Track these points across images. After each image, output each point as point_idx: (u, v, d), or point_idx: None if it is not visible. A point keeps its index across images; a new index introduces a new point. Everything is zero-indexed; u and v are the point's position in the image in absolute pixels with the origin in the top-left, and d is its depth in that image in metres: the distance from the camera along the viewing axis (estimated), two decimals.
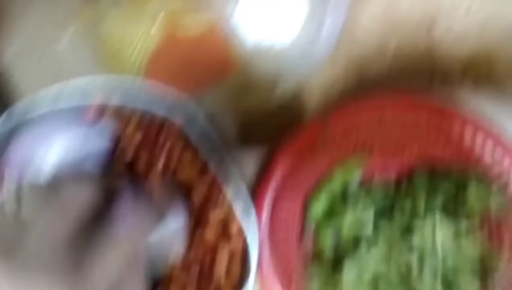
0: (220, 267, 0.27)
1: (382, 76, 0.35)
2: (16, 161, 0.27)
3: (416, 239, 0.29)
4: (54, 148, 0.27)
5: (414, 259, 0.29)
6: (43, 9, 0.37)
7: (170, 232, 0.26)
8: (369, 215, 0.31)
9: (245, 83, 0.34)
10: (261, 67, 0.34)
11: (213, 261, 0.28)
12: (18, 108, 0.28)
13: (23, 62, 0.38)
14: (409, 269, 0.29)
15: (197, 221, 0.28)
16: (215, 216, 0.28)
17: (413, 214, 0.30)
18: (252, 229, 0.27)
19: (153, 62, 0.36)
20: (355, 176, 0.32)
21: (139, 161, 0.29)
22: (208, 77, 0.35)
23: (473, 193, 0.29)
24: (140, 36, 0.36)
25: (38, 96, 0.29)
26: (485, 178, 0.29)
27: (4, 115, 0.28)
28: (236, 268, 0.28)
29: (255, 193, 0.30)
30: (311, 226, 0.32)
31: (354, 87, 0.35)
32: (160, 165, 0.29)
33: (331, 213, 0.32)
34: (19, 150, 0.27)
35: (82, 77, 0.29)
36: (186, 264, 0.28)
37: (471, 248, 0.29)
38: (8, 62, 0.37)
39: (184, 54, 0.35)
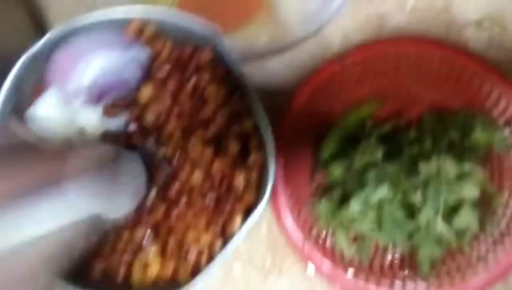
0: (239, 180, 0.30)
1: (400, 27, 0.37)
2: (59, 69, 0.30)
3: (421, 178, 0.31)
4: (94, 63, 0.30)
5: (418, 196, 0.30)
6: None
7: None
8: (377, 155, 0.32)
9: (271, 24, 0.36)
10: (287, 9, 0.36)
11: (233, 174, 0.30)
12: (63, 26, 0.30)
13: None
14: (412, 205, 0.31)
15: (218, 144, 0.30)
16: (235, 138, 0.30)
17: (420, 155, 0.31)
18: (271, 151, 0.29)
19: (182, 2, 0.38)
20: (367, 119, 0.34)
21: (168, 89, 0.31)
22: (236, 16, 0.37)
23: (478, 132, 0.30)
24: None
25: (81, 18, 0.31)
26: (490, 121, 0.31)
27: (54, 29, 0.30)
28: (254, 183, 0.30)
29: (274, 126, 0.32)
30: (322, 163, 0.34)
31: (373, 36, 0.37)
32: (187, 92, 0.31)
33: (342, 152, 0.33)
34: (62, 60, 0.30)
35: (120, 6, 0.31)
36: (208, 176, 0.30)
37: (473, 188, 0.30)
38: None
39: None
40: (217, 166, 0.30)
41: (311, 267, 0.35)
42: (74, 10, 0.38)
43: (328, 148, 0.34)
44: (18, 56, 0.31)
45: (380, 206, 0.30)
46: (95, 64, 0.29)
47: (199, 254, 0.30)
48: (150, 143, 0.31)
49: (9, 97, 0.30)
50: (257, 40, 0.36)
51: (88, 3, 0.38)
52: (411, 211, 0.30)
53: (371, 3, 0.37)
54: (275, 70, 0.36)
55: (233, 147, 0.30)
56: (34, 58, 0.30)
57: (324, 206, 0.32)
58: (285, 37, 0.35)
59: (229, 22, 0.36)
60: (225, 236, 0.29)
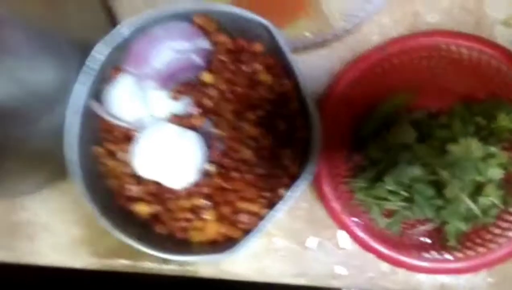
0: (285, 157, 0.34)
1: (433, 24, 0.40)
2: (135, 56, 0.35)
3: (449, 159, 0.34)
4: (164, 51, 0.34)
5: (446, 174, 0.34)
6: None
7: None
8: (410, 138, 0.36)
9: (315, 20, 0.40)
10: (329, 6, 0.39)
11: (280, 152, 0.34)
12: (138, 18, 0.35)
13: None
14: (441, 183, 0.34)
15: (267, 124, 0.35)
16: (282, 118, 0.34)
17: (449, 139, 0.35)
18: (316, 130, 0.33)
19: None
20: (402, 106, 0.38)
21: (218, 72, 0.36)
22: (284, 13, 0.41)
23: (502, 118, 0.33)
24: None
25: (154, 11, 0.35)
26: None
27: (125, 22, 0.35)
28: (298, 160, 0.34)
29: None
30: (358, 144, 0.38)
31: (408, 32, 0.40)
32: (241, 78, 0.35)
33: (377, 135, 0.37)
34: (138, 48, 0.35)
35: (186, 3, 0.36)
36: (257, 153, 0.34)
37: (497, 168, 0.33)
38: None
39: None
40: (265, 144, 0.34)
41: (346, 238, 0.39)
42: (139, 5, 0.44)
43: (365, 131, 0.37)
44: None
45: (411, 183, 0.34)
46: (165, 52, 0.34)
47: (249, 221, 0.34)
48: (208, 123, 0.35)
49: (89, 80, 0.35)
50: (302, 34, 0.40)
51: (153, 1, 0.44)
52: (440, 189, 0.33)
53: (407, 1, 0.40)
54: (317, 61, 0.40)
55: (280, 126, 0.34)
56: (111, 46, 0.35)
57: (360, 183, 0.36)
58: (327, 32, 0.39)
59: (278, 18, 0.40)
60: (272, 207, 0.34)
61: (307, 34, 0.40)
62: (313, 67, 0.39)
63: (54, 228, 0.44)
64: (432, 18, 0.40)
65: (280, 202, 0.32)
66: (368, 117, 0.38)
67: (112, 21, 0.43)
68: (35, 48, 0.33)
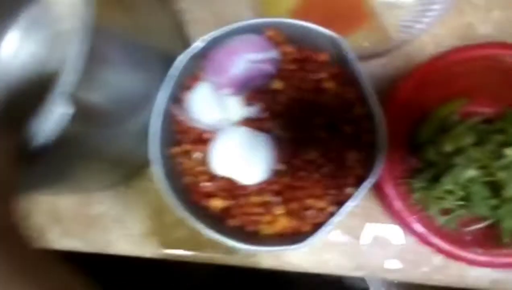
0: (351, 158, 0.37)
1: (486, 36, 0.42)
2: (213, 65, 0.38)
3: (505, 161, 0.36)
4: (240, 60, 0.38)
5: (503, 175, 0.36)
6: None
7: None
8: (466, 141, 0.38)
9: (374, 31, 0.43)
10: (388, 19, 0.42)
11: (345, 153, 0.37)
12: (215, 32, 0.39)
13: (195, 6, 0.49)
14: (497, 184, 0.36)
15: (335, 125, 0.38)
16: (348, 122, 0.38)
17: (505, 142, 0.37)
18: (382, 134, 0.35)
19: (298, 10, 0.45)
20: (456, 112, 0.40)
21: (287, 80, 0.39)
22: (344, 27, 0.44)
23: None
24: None
25: (228, 26, 0.39)
26: None
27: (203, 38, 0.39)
28: (363, 161, 0.37)
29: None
30: (416, 146, 0.41)
31: (462, 43, 0.42)
32: (308, 85, 0.39)
33: (434, 138, 0.40)
34: (216, 58, 0.38)
35: (255, 19, 0.39)
36: (324, 154, 0.37)
37: None
38: (184, 6, 0.49)
39: (324, 3, 0.45)
40: (332, 146, 0.38)
41: (401, 234, 0.41)
42: (209, 21, 0.48)
43: (422, 135, 0.40)
44: (176, 55, 0.39)
45: (467, 184, 0.36)
46: (240, 62, 0.37)
47: (316, 216, 0.37)
48: (278, 127, 0.38)
49: (169, 87, 0.39)
50: (361, 44, 0.42)
51: (220, 17, 0.47)
52: (495, 189, 0.36)
53: (460, 14, 0.42)
54: (374, 69, 0.43)
55: (346, 130, 0.38)
56: (189, 57, 0.39)
57: (418, 183, 0.38)
58: (385, 43, 0.42)
59: (339, 28, 0.43)
60: (338, 204, 0.37)
61: (366, 44, 0.43)
62: (371, 75, 0.42)
63: (126, 221, 0.48)
64: (484, 29, 0.42)
65: (350, 200, 0.35)
66: (424, 122, 0.40)
67: (184, 34, 0.47)
68: (127, 59, 0.37)
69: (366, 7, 0.43)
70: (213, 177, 0.39)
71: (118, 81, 0.36)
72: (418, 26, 0.42)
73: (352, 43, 0.41)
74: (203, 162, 0.40)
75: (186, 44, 0.47)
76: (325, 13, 0.44)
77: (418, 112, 0.40)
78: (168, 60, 0.41)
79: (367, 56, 0.42)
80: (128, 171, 0.46)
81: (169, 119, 0.40)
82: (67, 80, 0.26)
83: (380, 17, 0.42)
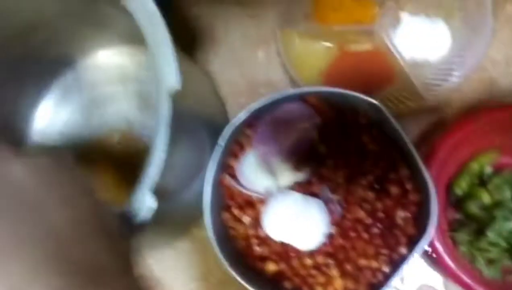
0: (400, 217, 0.39)
1: (509, 89, 0.45)
2: (260, 134, 0.40)
3: None
4: (284, 130, 0.39)
5: None
6: (245, 25, 0.50)
7: None
8: (504, 195, 0.41)
9: (403, 89, 0.45)
10: (416, 77, 0.45)
11: (394, 212, 0.39)
12: (258, 103, 0.40)
13: (226, 68, 0.51)
14: None
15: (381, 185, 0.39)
16: (393, 182, 0.39)
17: None
18: (431, 192, 0.37)
19: (330, 71, 0.48)
20: (489, 165, 0.43)
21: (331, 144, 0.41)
22: (374, 85, 0.46)
23: None
24: (320, 50, 0.48)
25: (271, 95, 0.40)
26: None
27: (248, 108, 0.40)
28: (412, 219, 0.39)
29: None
30: (454, 200, 0.43)
31: (487, 96, 0.45)
32: (351, 148, 0.40)
33: (471, 191, 0.42)
34: (263, 127, 0.40)
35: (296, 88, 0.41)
36: (373, 214, 0.39)
37: None
38: (215, 70, 0.51)
39: (355, 65, 0.47)
40: (379, 206, 0.39)
41: (447, 283, 0.43)
42: (240, 83, 0.50)
43: (458, 188, 0.42)
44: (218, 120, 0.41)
45: (510, 235, 0.39)
46: (287, 130, 0.39)
47: (371, 277, 0.38)
48: (326, 189, 0.40)
49: (218, 156, 0.40)
50: (393, 102, 0.45)
51: (251, 79, 0.49)
52: None
53: (482, 70, 0.45)
54: (407, 126, 0.45)
55: (392, 190, 0.39)
56: (235, 127, 0.40)
57: (463, 236, 0.40)
58: (415, 100, 0.44)
59: (368, 88, 0.46)
60: (392, 263, 0.38)
61: (397, 102, 0.45)
62: (405, 132, 0.44)
63: (168, 282, 0.48)
64: (506, 83, 0.45)
65: (406, 261, 0.36)
66: (459, 175, 0.43)
67: (221, 98, 0.49)
68: (186, 134, 0.38)
69: (394, 66, 0.45)
70: (264, 241, 0.41)
71: (180, 158, 0.37)
72: (445, 83, 0.44)
73: (383, 102, 0.44)
74: (253, 226, 0.41)
75: (223, 108, 0.49)
76: (355, 73, 0.47)
77: (453, 166, 0.43)
78: (211, 126, 0.43)
79: (399, 114, 0.44)
80: (175, 233, 0.47)
81: (218, 186, 0.41)
82: (153, 174, 0.28)
83: (408, 76, 0.45)
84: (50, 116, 0.52)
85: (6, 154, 0.21)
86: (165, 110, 0.28)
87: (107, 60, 0.52)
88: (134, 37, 0.49)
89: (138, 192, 0.27)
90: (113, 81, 0.52)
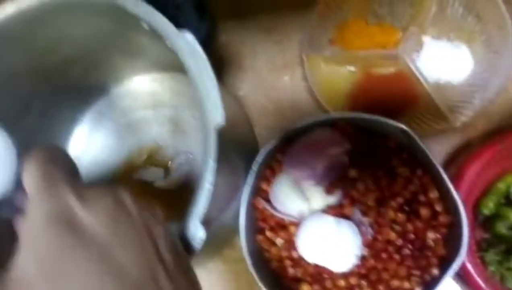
0: (430, 238, 0.40)
1: None
2: (293, 159, 0.42)
3: None
4: (315, 155, 0.41)
5: None
6: (271, 51, 0.52)
7: None
8: None
9: (428, 112, 0.46)
10: (440, 99, 0.46)
11: (425, 233, 0.40)
12: (287, 130, 0.42)
13: (254, 93, 0.52)
14: None
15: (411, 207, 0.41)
16: (423, 204, 0.41)
17: None
18: (462, 214, 0.38)
19: (355, 94, 0.49)
20: None
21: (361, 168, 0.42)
22: (399, 107, 0.47)
23: None
24: (345, 74, 0.50)
25: (301, 121, 0.42)
26: None
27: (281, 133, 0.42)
28: (443, 241, 0.40)
29: None
30: (481, 220, 0.43)
31: (510, 119, 0.46)
32: (381, 172, 0.42)
33: (499, 211, 0.43)
34: (295, 152, 0.42)
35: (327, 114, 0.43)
36: (403, 235, 0.40)
37: None
38: (243, 95, 0.52)
39: (379, 88, 0.49)
40: (410, 227, 0.40)
41: None
42: (268, 107, 0.51)
43: (486, 208, 0.43)
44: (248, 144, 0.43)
45: None
46: (319, 156, 0.41)
47: None
48: (357, 212, 0.41)
49: (251, 180, 0.42)
50: (418, 124, 0.46)
51: (279, 103, 0.51)
52: None
53: (505, 91, 0.46)
54: (433, 148, 0.46)
55: (422, 212, 0.40)
56: (267, 152, 0.42)
57: (491, 256, 0.41)
58: (440, 122, 0.46)
59: (393, 111, 0.47)
60: (424, 285, 0.39)
61: (422, 124, 0.46)
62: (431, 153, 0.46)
63: None
64: None
65: (439, 283, 0.37)
66: (485, 195, 0.44)
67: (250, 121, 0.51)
68: (225, 161, 0.40)
69: (418, 89, 0.47)
70: (298, 262, 0.42)
71: (219, 185, 0.38)
72: (468, 105, 0.45)
73: (408, 123, 0.45)
74: (287, 247, 0.42)
75: (253, 132, 0.51)
76: (380, 96, 0.48)
77: (480, 187, 0.44)
78: (243, 151, 0.44)
79: (424, 135, 0.46)
80: (208, 254, 0.48)
81: (251, 209, 0.43)
82: (203, 206, 0.29)
83: (432, 98, 0.46)
84: (84, 143, 0.54)
85: (73, 203, 0.22)
86: (212, 146, 0.29)
87: (138, 86, 0.54)
88: (165, 64, 0.52)
89: (190, 223, 0.29)
90: (145, 107, 0.54)
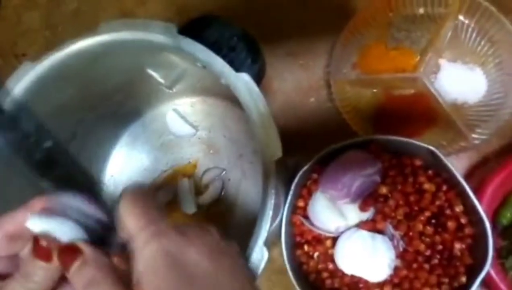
0: (457, 248, 0.43)
1: None
2: (328, 181, 0.45)
3: None
4: (352, 177, 0.44)
5: None
6: (297, 75, 0.55)
7: None
8: None
9: (448, 131, 0.50)
10: (459, 119, 0.50)
11: (452, 244, 0.44)
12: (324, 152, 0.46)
13: (282, 115, 0.56)
14: None
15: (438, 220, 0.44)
16: (449, 217, 0.44)
17: None
18: (486, 227, 0.42)
19: (378, 114, 0.53)
20: None
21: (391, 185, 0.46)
22: (418, 127, 0.51)
23: None
24: (368, 95, 0.53)
25: (335, 145, 0.46)
26: None
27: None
28: (469, 251, 0.43)
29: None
30: (500, 229, 0.48)
31: None
32: (409, 188, 0.45)
33: None
34: (331, 172, 0.45)
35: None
36: (432, 247, 0.44)
37: None
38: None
39: (401, 107, 0.52)
40: (438, 239, 0.44)
41: None
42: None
43: (504, 218, 0.47)
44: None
45: None
46: (353, 176, 0.44)
47: None
48: (389, 227, 0.45)
49: (289, 199, 0.45)
50: (438, 142, 0.50)
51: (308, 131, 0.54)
52: None
53: None
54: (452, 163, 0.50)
55: (449, 224, 0.44)
56: (304, 171, 0.46)
57: (511, 263, 0.45)
58: (459, 141, 0.49)
59: (415, 131, 0.51)
60: None
61: (443, 142, 0.50)
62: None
63: None
64: None
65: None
66: (503, 205, 0.48)
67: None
68: None
69: (437, 109, 0.50)
70: (335, 274, 0.45)
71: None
72: (485, 124, 0.49)
73: (429, 142, 0.49)
74: (323, 260, 0.46)
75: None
76: (401, 116, 0.52)
77: (498, 199, 0.48)
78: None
79: (446, 153, 0.50)
80: None
81: (290, 226, 0.46)
82: (266, 229, 0.33)
83: (451, 118, 0.50)
84: (121, 164, 0.57)
85: (178, 240, 0.24)
86: (272, 176, 0.33)
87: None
88: (196, 89, 0.55)
89: (255, 247, 0.32)
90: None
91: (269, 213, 0.33)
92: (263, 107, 0.34)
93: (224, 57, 0.36)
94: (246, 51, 0.44)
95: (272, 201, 0.33)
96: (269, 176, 0.33)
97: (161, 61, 0.44)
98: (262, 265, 0.32)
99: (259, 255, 0.32)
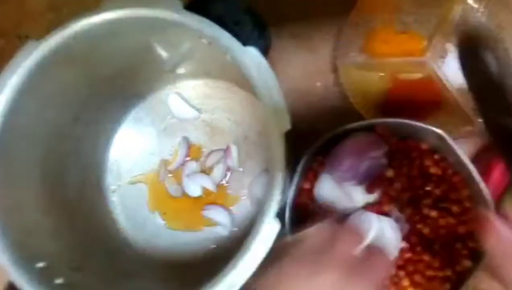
0: (462, 232, 0.43)
1: None
2: (335, 163, 0.45)
3: None
4: (359, 159, 0.44)
5: None
6: (304, 59, 0.55)
7: None
8: None
9: (454, 115, 0.50)
10: (465, 103, 0.50)
11: (456, 228, 0.43)
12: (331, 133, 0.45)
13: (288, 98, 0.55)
14: None
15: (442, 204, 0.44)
16: (455, 202, 0.44)
17: None
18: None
19: (384, 98, 0.53)
20: None
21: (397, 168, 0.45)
22: (425, 111, 0.51)
23: None
24: (374, 79, 0.53)
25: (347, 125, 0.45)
26: None
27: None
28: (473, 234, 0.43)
29: None
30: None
31: None
32: (415, 172, 0.45)
33: None
34: (339, 154, 0.45)
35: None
36: (436, 230, 0.44)
37: None
38: None
39: (408, 92, 0.52)
40: (442, 223, 0.44)
41: None
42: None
43: (508, 203, 0.47)
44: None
45: None
46: (360, 158, 0.44)
47: (440, 285, 0.43)
48: (394, 209, 0.45)
49: (295, 181, 0.45)
50: (445, 127, 0.50)
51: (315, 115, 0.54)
52: None
53: None
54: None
55: (453, 208, 0.44)
56: (311, 153, 0.45)
57: None
58: (466, 125, 0.49)
59: (422, 115, 0.51)
60: (457, 275, 0.43)
61: (450, 127, 0.50)
62: None
63: None
64: None
65: (471, 273, 0.41)
66: (507, 191, 0.47)
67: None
68: None
69: (444, 93, 0.50)
70: None
71: None
72: None
73: (436, 126, 0.48)
74: None
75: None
76: (408, 100, 0.52)
77: (503, 184, 0.47)
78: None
79: (452, 138, 0.49)
80: None
81: (295, 208, 0.46)
82: (277, 201, 0.32)
83: (458, 102, 0.49)
84: (125, 147, 0.57)
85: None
86: (281, 148, 0.33)
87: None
88: (198, 72, 0.54)
89: (266, 220, 0.32)
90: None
91: (280, 184, 0.33)
92: (272, 80, 0.34)
93: (229, 31, 0.35)
94: (252, 25, 0.44)
95: (284, 169, 0.33)
96: (277, 150, 0.33)
97: (165, 40, 0.44)
98: (274, 236, 0.32)
99: (271, 226, 0.32)
